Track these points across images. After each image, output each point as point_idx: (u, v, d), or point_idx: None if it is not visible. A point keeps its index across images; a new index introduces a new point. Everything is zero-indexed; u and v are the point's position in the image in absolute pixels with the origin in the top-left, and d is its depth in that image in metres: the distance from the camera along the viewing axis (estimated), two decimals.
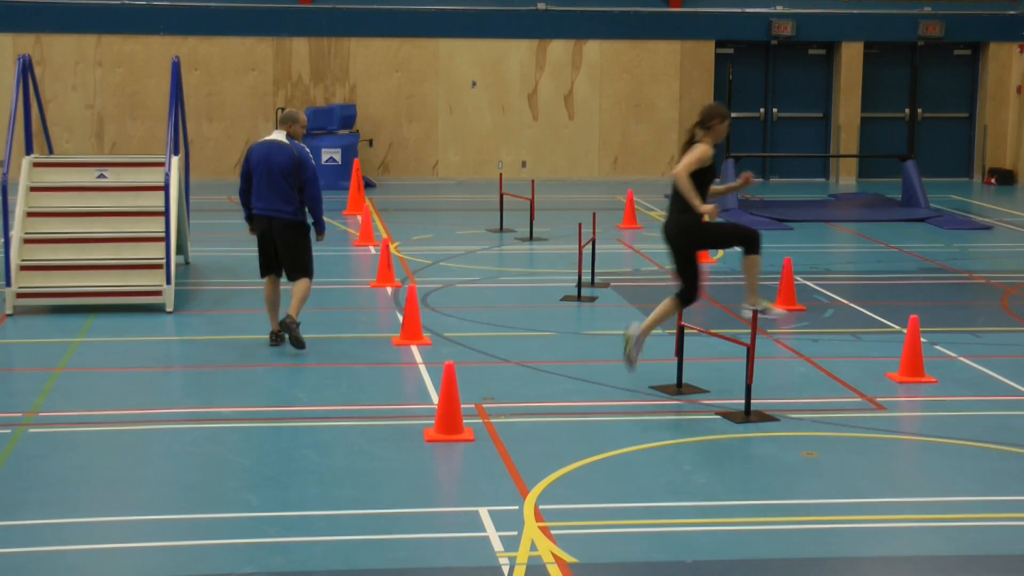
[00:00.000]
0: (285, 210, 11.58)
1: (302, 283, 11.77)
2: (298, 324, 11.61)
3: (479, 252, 17.23)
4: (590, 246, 14.64)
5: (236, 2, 24.71)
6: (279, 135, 11.70)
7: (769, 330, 12.47)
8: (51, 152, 16.23)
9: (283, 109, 24.38)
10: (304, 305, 11.87)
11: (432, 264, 16.16)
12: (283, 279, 11.97)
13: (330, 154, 23.66)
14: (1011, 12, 26.19)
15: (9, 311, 13.13)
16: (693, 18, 25.60)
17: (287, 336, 11.70)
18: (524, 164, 25.48)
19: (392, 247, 16.58)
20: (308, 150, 11.75)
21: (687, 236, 10.12)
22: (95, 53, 24.42)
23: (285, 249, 11.71)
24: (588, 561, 7.12)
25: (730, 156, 21.69)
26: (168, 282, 13.32)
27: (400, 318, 12.69)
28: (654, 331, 10.69)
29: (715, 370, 11.00)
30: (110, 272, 13.54)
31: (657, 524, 7.72)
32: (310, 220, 11.87)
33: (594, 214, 15.17)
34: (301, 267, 11.79)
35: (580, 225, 14.60)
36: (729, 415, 9.82)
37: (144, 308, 13.35)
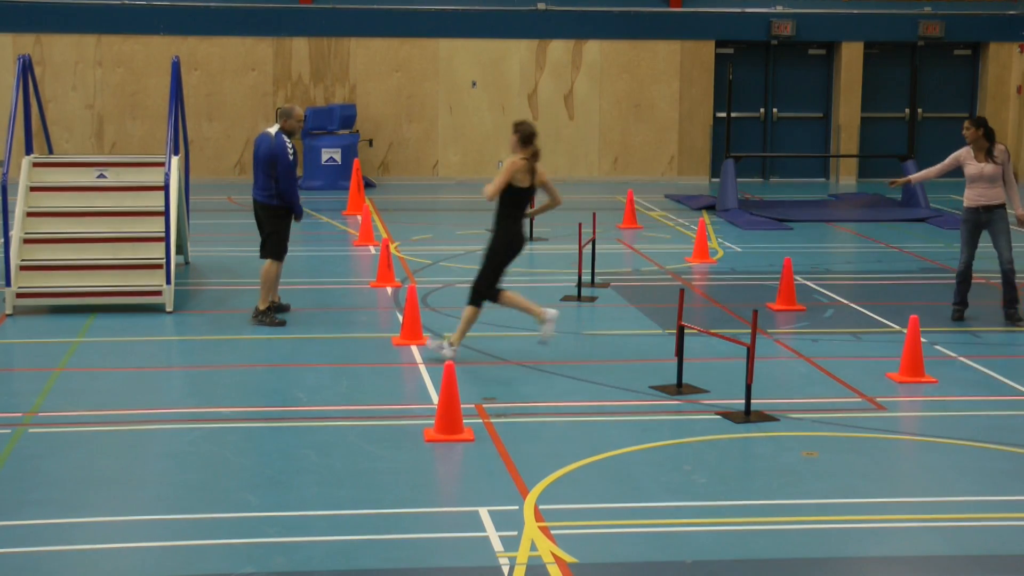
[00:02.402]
0: (259, 194, 12.63)
1: (265, 265, 12.56)
2: (260, 312, 12.59)
3: (479, 252, 17.18)
4: (590, 246, 14.64)
5: (236, 2, 24.70)
6: (272, 128, 12.59)
7: (769, 330, 12.47)
8: (51, 152, 16.22)
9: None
10: (267, 292, 12.62)
11: (432, 264, 16.15)
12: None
13: (330, 154, 23.64)
14: (1011, 12, 26.19)
15: (9, 311, 13.12)
16: (693, 18, 25.60)
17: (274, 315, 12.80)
18: None
19: (392, 247, 16.57)
20: (288, 145, 12.46)
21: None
22: (95, 53, 24.42)
23: (260, 228, 12.75)
24: (588, 561, 7.12)
25: (730, 156, 21.68)
26: (168, 282, 13.32)
27: (400, 318, 12.69)
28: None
29: (715, 370, 10.99)
30: (110, 272, 13.53)
31: (657, 524, 7.72)
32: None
33: (594, 214, 15.17)
34: (267, 248, 12.57)
35: (580, 225, 14.60)
36: (729, 415, 9.82)
37: (144, 308, 13.35)
